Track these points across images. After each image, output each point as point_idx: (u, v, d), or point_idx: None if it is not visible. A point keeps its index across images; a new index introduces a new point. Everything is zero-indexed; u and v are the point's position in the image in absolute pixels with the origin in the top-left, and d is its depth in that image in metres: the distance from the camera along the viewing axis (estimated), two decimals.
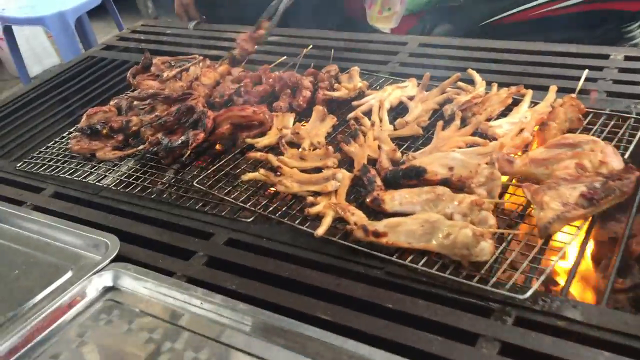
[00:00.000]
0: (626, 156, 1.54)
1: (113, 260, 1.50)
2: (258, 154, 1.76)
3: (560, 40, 3.30)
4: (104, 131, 2.00)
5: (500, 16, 3.38)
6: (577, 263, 1.31)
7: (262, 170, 1.67)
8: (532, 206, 1.42)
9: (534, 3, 3.22)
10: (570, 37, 3.28)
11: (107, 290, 1.46)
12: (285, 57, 2.36)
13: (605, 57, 2.07)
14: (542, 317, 1.20)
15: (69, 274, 1.53)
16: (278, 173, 1.68)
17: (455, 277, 1.30)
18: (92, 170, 1.96)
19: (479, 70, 2.06)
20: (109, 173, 1.94)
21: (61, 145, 2.15)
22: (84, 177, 1.92)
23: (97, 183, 1.88)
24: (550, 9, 3.20)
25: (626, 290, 1.72)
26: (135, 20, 3.47)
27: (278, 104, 2.06)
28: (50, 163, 2.04)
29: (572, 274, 1.29)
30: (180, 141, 1.84)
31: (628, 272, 1.73)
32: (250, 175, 1.69)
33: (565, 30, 3.27)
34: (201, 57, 2.42)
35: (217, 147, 1.98)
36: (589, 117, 1.74)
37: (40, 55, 6.90)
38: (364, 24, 3.11)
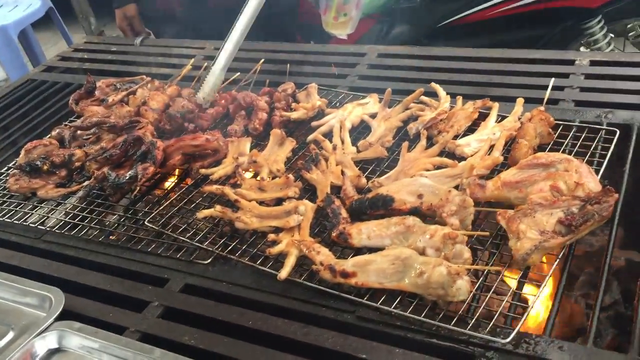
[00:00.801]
0: (600, 173, 1.47)
1: (58, 318, 1.36)
2: (214, 187, 1.63)
3: (521, 38, 3.30)
4: (45, 167, 1.85)
5: (457, 17, 3.34)
6: (558, 300, 1.23)
7: (218, 207, 1.55)
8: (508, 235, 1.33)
9: (490, 3, 3.18)
10: (530, 35, 3.26)
11: (52, 353, 1.33)
12: (238, 73, 2.23)
13: (571, 62, 2.01)
14: None
15: (9, 336, 1.39)
16: (236, 208, 1.56)
17: (431, 321, 1.20)
18: (33, 212, 1.81)
19: (442, 82, 1.97)
20: (52, 213, 1.79)
21: None
22: (25, 219, 1.77)
23: (39, 226, 1.73)
24: (507, 9, 3.17)
25: (606, 307, 1.67)
26: (82, 30, 3.31)
27: (233, 127, 1.93)
28: None
29: (554, 311, 1.21)
30: (128, 176, 1.71)
31: (607, 289, 1.67)
32: (205, 212, 1.56)
33: (524, 28, 3.25)
34: (148, 78, 2.27)
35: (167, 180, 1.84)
36: (559, 130, 1.66)
37: None
38: (320, 29, 3.01)
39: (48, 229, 1.72)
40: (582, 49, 3.35)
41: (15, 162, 2.01)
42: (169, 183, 1.87)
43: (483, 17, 3.26)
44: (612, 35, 3.30)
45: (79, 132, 2.03)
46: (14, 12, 5.44)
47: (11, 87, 2.71)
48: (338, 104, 2.04)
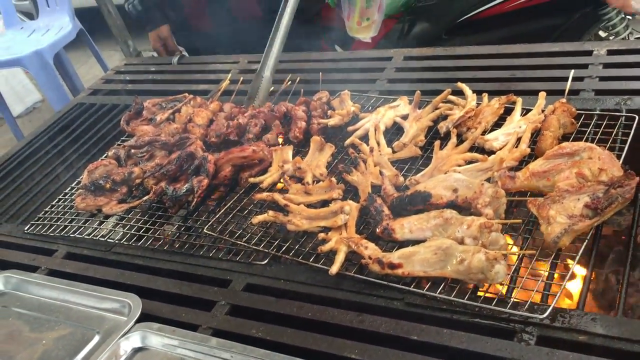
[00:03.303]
0: (622, 157, 1.58)
1: (138, 320, 1.53)
2: (264, 195, 1.79)
3: (540, 28, 3.37)
4: (107, 185, 2.03)
5: (476, 11, 3.42)
6: (589, 277, 1.35)
7: (270, 212, 1.70)
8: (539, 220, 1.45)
9: None
10: (549, 24, 3.34)
11: (136, 351, 1.49)
12: (272, 87, 2.38)
13: (589, 53, 2.11)
14: (563, 333, 1.25)
15: (96, 339, 1.56)
16: (286, 212, 1.71)
17: (474, 302, 1.34)
18: (100, 227, 1.98)
19: (467, 80, 2.09)
20: (118, 227, 1.96)
21: (65, 203, 2.16)
22: (94, 235, 1.95)
23: (108, 240, 1.91)
24: (525, 0, 3.24)
25: (636, 282, 1.77)
26: (112, 47, 3.48)
27: (266, 136, 2.09)
28: (58, 223, 2.06)
29: (586, 285, 1.33)
30: (185, 189, 1.87)
31: (636, 265, 1.78)
32: (259, 218, 1.71)
33: (543, 18, 3.32)
34: (191, 96, 2.44)
35: (220, 190, 2.00)
36: (581, 119, 1.77)
37: (21, 93, 6.88)
38: (343, 33, 3.14)
39: (116, 241, 1.89)
40: (600, 32, 3.41)
41: (78, 183, 2.19)
42: (221, 193, 2.02)
43: (502, 10, 3.33)
44: (630, 18, 3.35)
45: (133, 150, 2.20)
46: (47, 36, 5.67)
47: (62, 112, 2.90)
48: (370, 108, 2.18)
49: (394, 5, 3.61)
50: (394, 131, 2.02)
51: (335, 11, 3.43)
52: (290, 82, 2.39)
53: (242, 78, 2.57)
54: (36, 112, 6.91)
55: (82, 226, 2.01)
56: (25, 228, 2.08)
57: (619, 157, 1.58)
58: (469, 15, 3.47)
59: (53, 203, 2.18)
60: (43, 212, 2.15)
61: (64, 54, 5.89)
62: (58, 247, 1.96)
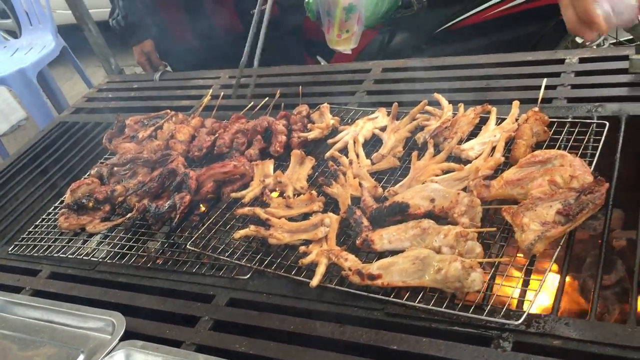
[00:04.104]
0: (594, 164, 1.62)
1: (122, 338, 1.54)
2: (246, 210, 1.81)
3: (517, 36, 3.44)
4: (90, 204, 2.04)
5: (454, 21, 3.48)
6: (562, 282, 1.38)
7: (252, 226, 1.72)
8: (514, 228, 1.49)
9: (485, 6, 3.32)
10: (525, 32, 3.40)
11: None
12: (252, 102, 2.41)
13: (561, 61, 2.16)
14: (539, 338, 1.28)
15: (81, 358, 1.57)
16: (268, 226, 1.73)
17: (452, 311, 1.36)
18: (84, 246, 1.99)
19: (444, 91, 2.13)
20: (102, 246, 1.97)
21: (49, 222, 2.17)
22: (78, 254, 1.96)
23: (92, 258, 1.92)
24: (501, 9, 3.30)
25: (612, 285, 1.81)
26: (96, 62, 3.49)
27: (249, 151, 2.11)
28: (42, 243, 2.06)
29: (560, 290, 1.36)
30: (167, 206, 1.89)
31: (612, 268, 1.82)
32: (241, 232, 1.73)
33: (519, 27, 3.38)
34: (172, 112, 2.46)
35: (202, 206, 2.02)
36: (554, 127, 1.81)
37: (6, 111, 6.87)
38: (324, 45, 3.18)
39: (100, 260, 1.90)
40: (577, 39, 3.48)
41: (62, 202, 2.20)
42: (204, 208, 2.04)
43: (479, 20, 3.39)
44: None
45: (115, 168, 2.22)
46: (30, 55, 5.68)
47: (45, 131, 2.91)
48: (350, 120, 2.21)
49: (374, 16, 3.65)
50: (373, 143, 2.05)
51: (316, 24, 3.47)
52: (268, 98, 2.42)
53: (223, 93, 2.59)
54: (21, 129, 6.90)
55: (65, 245, 2.02)
56: (9, 249, 2.09)
57: (590, 163, 1.62)
58: (447, 25, 3.53)
59: (37, 223, 2.19)
60: (27, 232, 2.15)
61: (48, 72, 5.89)
62: (42, 267, 1.97)
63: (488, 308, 1.34)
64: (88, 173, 2.32)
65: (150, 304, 1.69)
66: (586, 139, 1.73)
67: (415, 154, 1.82)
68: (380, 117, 2.11)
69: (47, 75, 6.00)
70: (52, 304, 1.73)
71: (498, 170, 1.71)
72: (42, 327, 1.71)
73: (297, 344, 1.43)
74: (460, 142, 1.87)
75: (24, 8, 5.88)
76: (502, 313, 1.32)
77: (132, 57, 3.41)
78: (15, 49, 5.89)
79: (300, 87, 2.42)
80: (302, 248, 1.64)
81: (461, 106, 2.01)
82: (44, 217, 2.22)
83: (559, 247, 1.43)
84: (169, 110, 2.49)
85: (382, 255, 1.56)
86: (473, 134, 1.91)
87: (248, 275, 1.67)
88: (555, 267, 1.46)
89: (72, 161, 2.60)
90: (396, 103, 2.05)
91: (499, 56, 2.34)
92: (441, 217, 1.59)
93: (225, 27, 3.26)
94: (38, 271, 1.96)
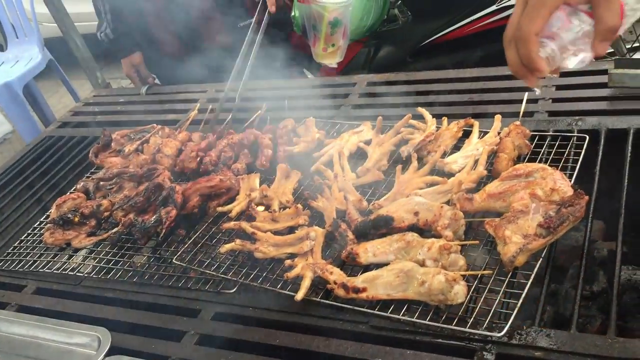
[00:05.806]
0: (574, 176, 1.64)
1: (107, 354, 1.54)
2: (232, 224, 1.82)
3: (501, 49, 3.47)
4: (76, 219, 2.04)
5: (438, 35, 3.52)
6: (544, 294, 1.40)
7: (238, 240, 1.73)
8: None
9: (467, 20, 3.36)
10: None
11: None
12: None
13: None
14: (521, 350, 1.29)
15: None
16: (254, 240, 1.74)
17: (436, 323, 1.38)
18: (70, 261, 1.99)
19: (427, 104, 2.16)
20: (88, 261, 1.97)
21: (35, 237, 2.17)
22: (63, 269, 1.95)
23: (77, 273, 1.91)
24: (483, 24, 3.35)
25: (596, 296, 1.83)
26: (83, 75, 3.49)
27: (236, 165, 2.12)
28: (27, 258, 2.06)
29: (541, 302, 1.38)
30: (153, 220, 1.89)
31: (594, 279, 1.84)
32: (227, 247, 1.74)
33: (501, 41, 3.42)
34: (159, 126, 2.47)
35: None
36: (535, 140, 1.84)
37: None
38: (310, 58, 3.20)
39: (85, 275, 1.90)
40: None
41: (47, 217, 2.20)
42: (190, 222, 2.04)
43: (463, 34, 3.44)
44: None
45: (101, 183, 2.22)
46: (16, 68, 5.66)
47: (30, 145, 2.90)
48: (335, 134, 2.23)
49: (359, 30, 3.69)
50: (358, 156, 2.07)
51: (302, 38, 3.50)
52: (258, 114, 2.44)
53: (210, 107, 2.61)
54: (7, 143, 6.85)
55: (51, 260, 2.01)
56: None
57: (571, 176, 1.65)
58: (432, 38, 3.57)
59: (22, 237, 2.19)
60: (12, 247, 2.14)
61: (34, 85, 5.87)
62: (27, 283, 1.97)
63: (471, 320, 1.36)
64: (74, 187, 2.31)
65: (136, 318, 1.70)
66: (567, 152, 1.76)
67: (399, 167, 1.84)
68: (365, 130, 2.13)
69: (34, 88, 5.98)
70: (38, 320, 1.72)
71: (481, 183, 1.74)
72: (27, 344, 1.70)
73: (283, 357, 1.43)
74: (443, 155, 1.89)
75: (10, 21, 5.87)
76: (485, 325, 1.34)
77: (118, 71, 3.42)
78: (1, 62, 5.87)
79: (287, 100, 2.43)
80: (288, 262, 1.65)
81: (444, 120, 2.03)
82: (29, 232, 2.21)
83: (541, 259, 1.46)
84: (155, 125, 2.50)
85: (367, 268, 1.57)
86: (456, 148, 1.94)
87: (234, 289, 1.67)
88: (537, 279, 1.48)
89: (58, 175, 2.60)
90: (380, 117, 2.08)
91: (481, 70, 2.37)
92: (425, 230, 1.61)
93: (215, 42, 3.27)
94: (23, 286, 1.96)
